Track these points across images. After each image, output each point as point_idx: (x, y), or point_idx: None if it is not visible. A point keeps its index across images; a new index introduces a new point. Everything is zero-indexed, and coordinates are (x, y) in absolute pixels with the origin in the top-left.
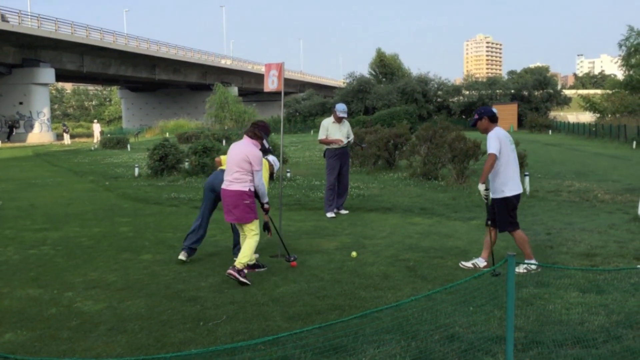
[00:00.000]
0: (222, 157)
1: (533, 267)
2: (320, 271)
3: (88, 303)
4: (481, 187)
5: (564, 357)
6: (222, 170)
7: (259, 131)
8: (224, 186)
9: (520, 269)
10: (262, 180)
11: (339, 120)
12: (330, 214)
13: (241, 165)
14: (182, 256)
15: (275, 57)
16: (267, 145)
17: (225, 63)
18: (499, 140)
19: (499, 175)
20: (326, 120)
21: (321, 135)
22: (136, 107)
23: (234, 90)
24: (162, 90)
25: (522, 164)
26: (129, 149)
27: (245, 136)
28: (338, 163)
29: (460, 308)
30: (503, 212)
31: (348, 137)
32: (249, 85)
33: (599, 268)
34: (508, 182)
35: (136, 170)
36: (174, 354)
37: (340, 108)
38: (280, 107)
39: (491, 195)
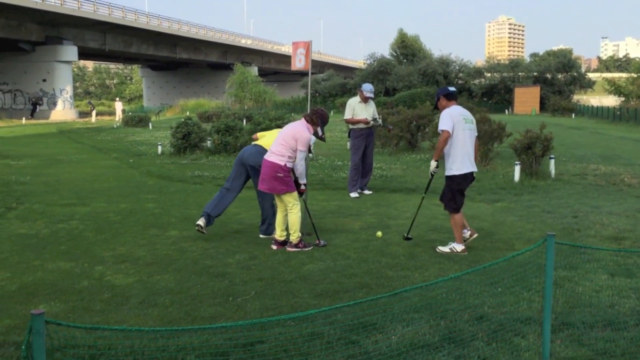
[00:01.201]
0: (259, 134)
1: (458, 249)
2: (346, 250)
3: (118, 277)
4: (433, 163)
5: (595, 340)
6: (254, 145)
7: (317, 117)
8: (265, 156)
9: (446, 248)
10: (303, 161)
11: (365, 100)
12: (354, 194)
13: (287, 140)
14: (200, 222)
15: (295, 37)
16: (320, 134)
17: (246, 43)
18: (451, 118)
19: (449, 153)
20: (352, 99)
21: (347, 115)
22: (157, 86)
23: (254, 70)
24: (183, 70)
25: (548, 147)
26: (150, 127)
27: (303, 118)
28: (363, 143)
29: (488, 289)
30: (447, 190)
31: (374, 117)
32: (269, 65)
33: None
34: (456, 160)
35: (159, 148)
36: (207, 326)
37: (368, 88)
38: (302, 87)
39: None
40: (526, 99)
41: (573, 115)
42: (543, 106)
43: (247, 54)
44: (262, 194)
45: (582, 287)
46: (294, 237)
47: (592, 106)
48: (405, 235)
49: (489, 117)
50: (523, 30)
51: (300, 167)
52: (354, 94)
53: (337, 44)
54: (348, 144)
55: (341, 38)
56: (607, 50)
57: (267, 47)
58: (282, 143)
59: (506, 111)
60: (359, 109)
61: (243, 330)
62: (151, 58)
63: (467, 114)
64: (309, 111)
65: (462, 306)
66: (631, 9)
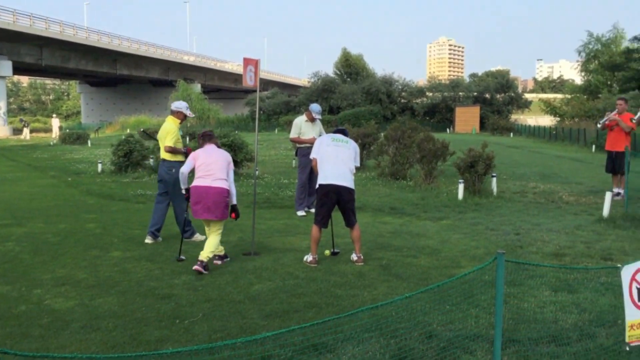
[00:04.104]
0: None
1: (309, 259)
2: (294, 269)
3: (58, 300)
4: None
5: (540, 355)
6: (165, 160)
7: (215, 138)
8: (205, 183)
9: (307, 259)
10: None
11: (312, 119)
12: (301, 212)
13: (225, 166)
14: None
15: (239, 55)
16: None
17: (188, 59)
18: (319, 143)
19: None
20: (299, 118)
21: (293, 134)
22: (96, 102)
23: (197, 87)
24: (123, 86)
25: (490, 165)
26: (89, 144)
27: (212, 144)
28: (310, 161)
29: (437, 307)
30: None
31: (320, 136)
32: (213, 83)
33: (573, 266)
34: (319, 174)
35: (99, 166)
36: (153, 352)
37: (316, 109)
38: (247, 105)
39: None
40: (467, 118)
41: (511, 134)
42: (483, 125)
43: (190, 71)
44: (176, 201)
45: (526, 303)
46: (210, 256)
47: (529, 125)
48: (332, 250)
49: (433, 136)
50: (463, 51)
51: (234, 188)
52: (299, 112)
53: (281, 62)
54: (294, 162)
55: (285, 56)
56: (542, 71)
57: (211, 64)
58: (222, 169)
59: (447, 130)
60: (306, 128)
61: (191, 355)
62: (90, 74)
63: (335, 135)
64: (256, 130)
65: (411, 324)
66: (565, 32)
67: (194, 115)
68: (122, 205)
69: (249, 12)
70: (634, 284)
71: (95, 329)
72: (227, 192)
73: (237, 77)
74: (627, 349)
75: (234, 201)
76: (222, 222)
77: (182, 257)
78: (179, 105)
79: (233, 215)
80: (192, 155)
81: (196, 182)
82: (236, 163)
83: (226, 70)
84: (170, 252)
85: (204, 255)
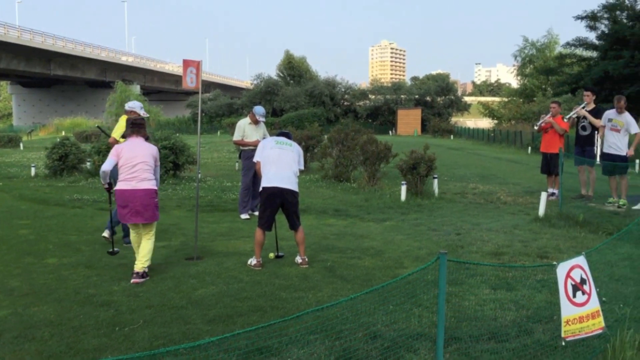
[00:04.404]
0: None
1: (254, 262)
2: (238, 273)
3: None
4: None
5: (481, 352)
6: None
7: (144, 129)
8: (130, 186)
9: (251, 262)
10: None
11: (256, 122)
12: (244, 215)
13: (150, 161)
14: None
15: (180, 56)
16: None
17: (127, 60)
18: (262, 146)
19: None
20: (242, 121)
21: (237, 136)
22: (28, 104)
23: (136, 88)
24: (58, 87)
25: (432, 167)
26: (21, 147)
27: (137, 137)
28: (254, 164)
29: (380, 307)
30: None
31: (264, 138)
32: (152, 84)
33: (510, 264)
34: (263, 177)
35: (32, 170)
36: None
37: (260, 112)
38: (188, 107)
39: None
40: (408, 120)
41: (452, 136)
42: (424, 127)
43: (128, 72)
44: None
45: (467, 301)
46: (145, 265)
47: (469, 128)
48: (276, 253)
49: (376, 138)
50: (404, 55)
51: (157, 184)
52: (242, 115)
53: (223, 63)
54: (237, 164)
55: (227, 58)
56: (480, 75)
57: (150, 65)
58: (147, 168)
59: (390, 132)
60: (250, 131)
61: None
62: (23, 74)
63: (278, 139)
64: (198, 132)
65: (356, 324)
66: (502, 37)
67: (147, 116)
68: (58, 210)
69: (190, 13)
70: (569, 281)
71: (29, 339)
72: (155, 193)
73: (178, 79)
74: (563, 343)
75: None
76: (154, 225)
77: (117, 249)
78: (133, 105)
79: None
80: (114, 150)
81: (121, 185)
82: (178, 166)
83: (166, 71)
84: (108, 258)
85: (139, 266)
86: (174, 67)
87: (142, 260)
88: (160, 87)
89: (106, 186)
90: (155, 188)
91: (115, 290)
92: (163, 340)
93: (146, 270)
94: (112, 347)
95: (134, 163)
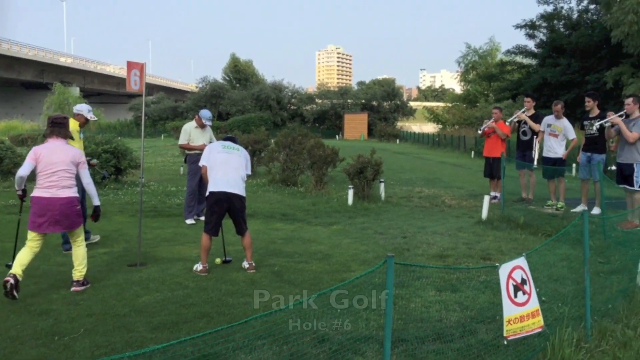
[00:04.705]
0: None
1: (200, 268)
2: (183, 279)
3: None
4: None
5: (427, 353)
6: None
7: (65, 129)
8: (49, 194)
9: (197, 268)
10: (91, 178)
11: (202, 125)
12: (190, 221)
13: (71, 170)
14: None
15: (121, 58)
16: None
17: (65, 61)
18: (208, 150)
19: None
20: (188, 124)
21: (182, 140)
22: None
23: (75, 90)
24: None
25: (378, 171)
26: None
27: (57, 138)
28: (199, 168)
29: (328, 311)
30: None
31: (211, 142)
32: (93, 86)
33: (457, 267)
34: (210, 181)
35: None
36: None
37: (206, 115)
38: (130, 110)
39: None
40: (355, 125)
41: (398, 140)
42: (371, 132)
43: (67, 74)
44: None
45: (414, 303)
46: (84, 272)
47: (414, 132)
48: (223, 258)
49: (323, 142)
50: (351, 60)
51: (92, 186)
52: (186, 118)
53: (167, 66)
54: (182, 169)
55: (171, 60)
56: (425, 80)
57: (90, 67)
58: (67, 175)
59: (337, 136)
60: (195, 135)
61: None
62: None
63: (224, 143)
64: (141, 136)
65: (304, 329)
66: (446, 44)
67: (96, 119)
68: None
69: (132, 14)
70: (510, 281)
71: None
72: (77, 200)
73: (119, 81)
74: (505, 342)
75: (97, 202)
76: (80, 230)
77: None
78: (80, 108)
79: (92, 217)
80: (32, 153)
81: (38, 193)
82: (120, 170)
83: (107, 73)
84: (47, 266)
85: (77, 274)
86: (115, 69)
87: (78, 268)
88: (101, 89)
89: (20, 193)
90: (77, 195)
91: (54, 299)
92: (105, 349)
93: (81, 279)
94: (51, 357)
95: (53, 170)
